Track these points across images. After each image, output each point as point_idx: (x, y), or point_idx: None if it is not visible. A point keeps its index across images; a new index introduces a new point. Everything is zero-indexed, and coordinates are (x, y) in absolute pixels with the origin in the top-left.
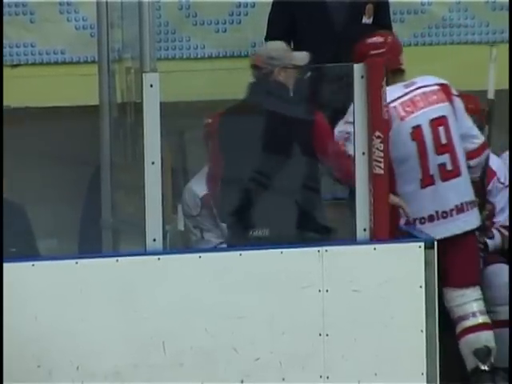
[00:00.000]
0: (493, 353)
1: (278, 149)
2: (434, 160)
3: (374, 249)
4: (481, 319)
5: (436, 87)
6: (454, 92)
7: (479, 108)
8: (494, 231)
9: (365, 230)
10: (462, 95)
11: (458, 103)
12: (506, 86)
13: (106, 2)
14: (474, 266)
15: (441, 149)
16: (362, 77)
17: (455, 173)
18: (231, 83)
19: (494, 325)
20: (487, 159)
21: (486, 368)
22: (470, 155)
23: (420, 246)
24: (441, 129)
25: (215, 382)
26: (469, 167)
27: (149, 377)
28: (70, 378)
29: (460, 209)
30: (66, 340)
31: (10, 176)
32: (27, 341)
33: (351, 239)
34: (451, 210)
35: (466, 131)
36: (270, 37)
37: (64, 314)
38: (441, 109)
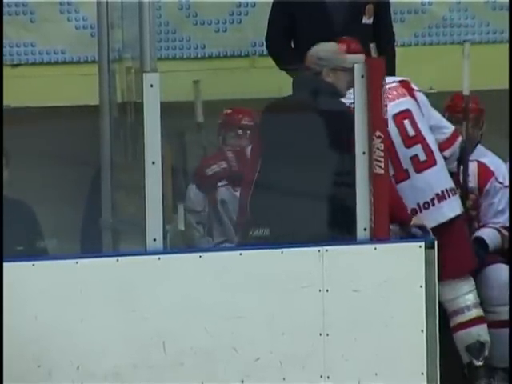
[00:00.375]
0: (486, 346)
1: (323, 148)
2: (405, 153)
3: (375, 248)
4: (474, 313)
5: (395, 84)
6: (415, 87)
7: (478, 107)
8: (494, 231)
9: (365, 229)
10: (464, 97)
11: (421, 97)
12: (499, 86)
13: (107, 2)
14: (464, 255)
15: (410, 141)
16: (363, 76)
17: (430, 162)
18: (232, 83)
19: (493, 325)
20: (464, 150)
21: (480, 363)
22: (443, 146)
23: (420, 246)
24: (406, 122)
25: (215, 382)
26: (444, 159)
27: (149, 377)
28: (70, 378)
29: (441, 196)
30: (65, 340)
31: (10, 176)
32: (27, 341)
33: (351, 239)
34: (432, 200)
35: (434, 123)
36: (270, 37)
37: (64, 313)
38: (402, 103)
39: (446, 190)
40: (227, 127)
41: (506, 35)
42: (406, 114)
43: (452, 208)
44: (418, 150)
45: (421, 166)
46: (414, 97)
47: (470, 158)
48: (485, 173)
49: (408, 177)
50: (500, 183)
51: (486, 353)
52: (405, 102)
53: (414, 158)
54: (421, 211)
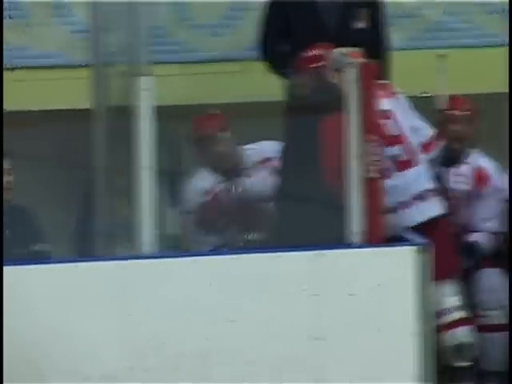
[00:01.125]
0: (471, 348)
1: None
2: (386, 153)
3: (369, 252)
4: (457, 315)
5: None
6: (395, 89)
7: (473, 109)
8: (487, 235)
9: (359, 233)
10: (458, 98)
11: (401, 99)
12: (494, 90)
13: (101, 6)
14: (446, 258)
15: (391, 140)
16: (355, 80)
17: (410, 162)
18: (227, 87)
19: (485, 329)
20: (445, 153)
21: (465, 364)
22: (423, 149)
23: (414, 250)
24: (388, 122)
25: None
26: (424, 161)
27: (145, 380)
28: (67, 380)
29: (420, 197)
30: (62, 343)
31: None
32: (24, 344)
33: (346, 243)
34: (412, 199)
35: (413, 125)
36: (263, 40)
37: (62, 317)
38: (384, 103)
39: (426, 190)
40: (195, 141)
41: (501, 39)
42: (387, 114)
43: (432, 208)
44: (399, 149)
45: (402, 166)
46: (394, 98)
47: (467, 162)
48: (482, 177)
49: (388, 176)
50: (495, 188)
51: (471, 354)
52: (386, 103)
53: (395, 158)
54: (399, 210)
